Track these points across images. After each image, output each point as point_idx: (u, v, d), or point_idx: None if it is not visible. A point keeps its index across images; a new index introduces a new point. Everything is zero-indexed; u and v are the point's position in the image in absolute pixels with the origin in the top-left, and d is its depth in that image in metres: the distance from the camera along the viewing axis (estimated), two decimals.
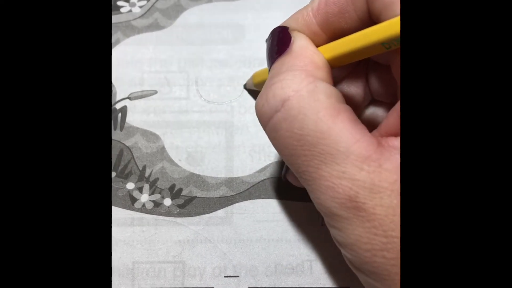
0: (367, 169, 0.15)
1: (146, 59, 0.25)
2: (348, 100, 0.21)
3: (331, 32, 0.18)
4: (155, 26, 0.26)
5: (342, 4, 0.17)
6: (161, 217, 0.23)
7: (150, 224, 0.23)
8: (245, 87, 0.25)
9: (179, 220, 0.24)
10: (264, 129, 0.17)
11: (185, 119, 0.25)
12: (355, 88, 0.21)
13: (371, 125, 0.21)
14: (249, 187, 0.24)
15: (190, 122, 0.25)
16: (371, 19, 0.17)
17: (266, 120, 0.17)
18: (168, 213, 0.24)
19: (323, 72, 0.17)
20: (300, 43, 0.17)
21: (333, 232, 0.16)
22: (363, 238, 0.15)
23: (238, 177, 0.24)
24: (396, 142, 0.15)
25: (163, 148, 0.24)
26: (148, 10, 0.26)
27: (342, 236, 0.16)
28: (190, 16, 0.26)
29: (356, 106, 0.21)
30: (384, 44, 0.15)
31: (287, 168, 0.22)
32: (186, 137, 0.24)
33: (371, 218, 0.15)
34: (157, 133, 0.24)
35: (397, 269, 0.14)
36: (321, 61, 0.17)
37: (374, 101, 0.21)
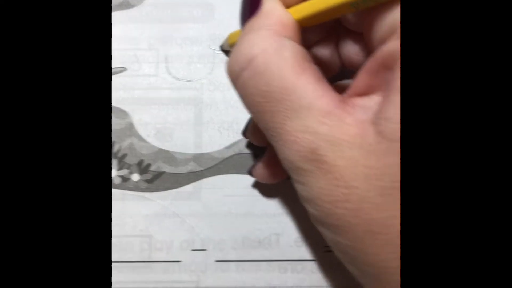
0: (328, 123, 0.15)
1: (116, 36, 0.25)
2: (319, 65, 0.21)
3: None
4: (126, 5, 0.26)
5: None
6: (129, 192, 0.23)
7: (117, 198, 0.23)
8: (221, 48, 0.25)
9: (147, 194, 0.24)
10: (234, 87, 0.17)
11: (154, 96, 0.25)
12: (325, 54, 0.21)
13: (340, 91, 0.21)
14: (217, 162, 0.24)
15: (159, 99, 0.25)
16: None
17: (234, 78, 0.17)
18: (136, 187, 0.24)
19: (290, 31, 0.17)
20: (270, 5, 0.18)
21: (298, 188, 0.17)
22: (325, 190, 0.15)
23: (207, 153, 0.24)
24: (360, 101, 0.16)
25: (131, 124, 0.24)
26: None
27: (306, 190, 0.16)
28: None
29: (326, 72, 0.21)
30: (353, 4, 0.16)
31: (247, 126, 0.22)
32: (155, 114, 0.24)
33: (332, 169, 0.15)
34: (126, 109, 0.24)
35: (358, 221, 0.15)
36: (289, 20, 0.17)
37: (344, 70, 0.21)
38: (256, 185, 0.24)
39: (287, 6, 0.18)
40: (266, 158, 0.22)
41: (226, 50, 0.25)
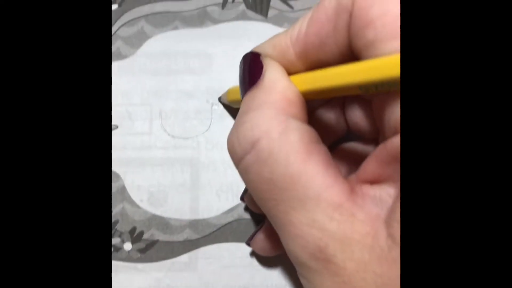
0: (338, 219, 0.14)
1: None
2: (322, 129, 0.20)
3: (309, 63, 0.16)
4: (117, 56, 0.24)
5: (323, 36, 0.16)
6: (121, 263, 0.22)
7: None
8: (219, 100, 0.24)
9: (140, 266, 0.22)
10: (236, 169, 0.16)
11: (147, 156, 0.23)
12: (330, 117, 0.20)
13: (345, 158, 0.20)
14: (215, 229, 0.22)
15: (153, 159, 0.23)
16: (352, 53, 0.15)
17: (237, 161, 0.16)
18: (129, 258, 0.22)
19: (296, 108, 0.15)
20: (273, 75, 0.16)
21: (302, 281, 0.15)
22: None
23: (204, 219, 0.22)
24: (371, 190, 0.15)
25: (123, 187, 0.23)
26: None
27: (311, 287, 0.15)
28: (155, 44, 0.24)
29: (330, 136, 0.20)
30: (361, 88, 0.14)
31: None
32: (148, 176, 0.23)
33: (340, 272, 0.14)
34: (117, 171, 0.23)
35: None
36: (294, 96, 0.16)
37: (351, 133, 0.20)
38: (256, 254, 0.22)
39: (290, 70, 0.17)
40: (266, 229, 0.20)
41: (225, 103, 0.23)
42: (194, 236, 0.22)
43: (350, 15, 0.14)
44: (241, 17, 0.25)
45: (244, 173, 0.16)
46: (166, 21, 0.25)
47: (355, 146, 0.20)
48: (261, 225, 0.21)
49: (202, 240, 0.22)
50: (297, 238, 0.14)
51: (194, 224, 0.22)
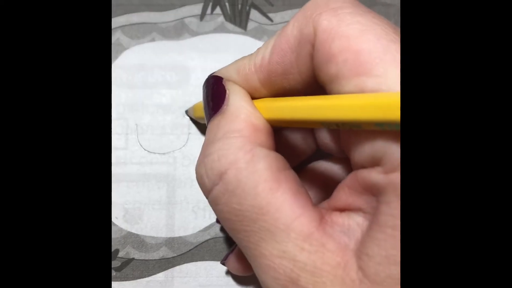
0: (308, 249, 0.14)
1: None
2: (291, 148, 0.20)
3: (273, 90, 0.16)
4: None
5: (286, 65, 0.15)
6: None
7: None
8: (186, 113, 0.23)
9: (115, 284, 0.22)
10: (206, 199, 0.16)
11: (122, 171, 0.23)
12: (299, 137, 0.20)
13: (314, 178, 0.20)
14: (191, 248, 0.22)
15: (128, 175, 0.23)
16: (316, 82, 0.15)
17: (206, 193, 0.16)
18: None
19: (262, 135, 0.15)
20: (237, 101, 0.16)
21: None
22: None
23: (180, 237, 0.22)
24: (340, 218, 0.14)
25: None
26: None
27: None
28: (131, 56, 0.24)
29: (299, 155, 0.20)
30: (324, 124, 0.14)
31: (228, 254, 0.20)
32: (123, 192, 0.22)
33: None
34: None
35: None
36: (260, 123, 0.15)
37: (320, 152, 0.20)
38: (233, 274, 0.22)
39: (254, 95, 0.16)
40: (239, 250, 0.20)
41: (191, 117, 0.23)
42: (170, 254, 0.22)
43: (313, 46, 0.14)
44: (220, 29, 0.24)
45: (213, 204, 0.15)
46: (142, 32, 0.24)
47: (325, 165, 0.20)
48: (235, 245, 0.21)
49: (178, 258, 0.22)
50: (269, 270, 0.14)
51: (170, 242, 0.22)
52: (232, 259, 0.20)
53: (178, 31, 0.24)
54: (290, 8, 0.24)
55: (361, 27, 0.13)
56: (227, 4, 0.24)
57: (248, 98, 0.16)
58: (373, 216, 0.13)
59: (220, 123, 0.15)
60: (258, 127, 0.15)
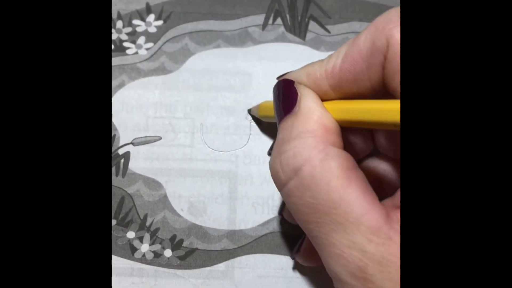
0: (376, 241, 0.15)
1: (151, 103, 0.25)
2: (350, 147, 0.21)
3: (342, 94, 0.18)
4: (162, 70, 0.25)
5: (357, 73, 0.17)
6: (161, 269, 0.23)
7: (150, 275, 0.23)
8: (249, 111, 0.25)
9: (179, 272, 0.23)
10: (280, 192, 0.17)
11: (188, 167, 0.24)
12: (358, 137, 0.21)
13: (372, 176, 0.21)
14: (251, 240, 0.24)
15: (194, 170, 0.24)
16: (385, 89, 0.17)
17: (280, 186, 0.17)
18: (168, 264, 0.23)
19: (333, 135, 0.17)
20: (308, 103, 0.17)
21: None
22: None
23: (241, 230, 0.24)
24: None
25: (165, 196, 0.24)
26: (155, 53, 0.26)
27: None
28: (197, 61, 0.26)
29: (358, 153, 0.21)
30: (397, 125, 0.15)
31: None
32: (189, 186, 0.24)
33: None
34: (160, 181, 0.24)
35: None
36: (331, 124, 0.17)
37: (378, 153, 0.21)
38: (290, 266, 0.23)
39: (323, 98, 0.18)
40: (307, 243, 0.22)
41: (254, 115, 0.25)
42: (231, 246, 0.23)
43: (385, 57, 0.16)
44: (281, 39, 0.26)
45: (287, 197, 0.17)
46: (209, 39, 0.26)
47: (379, 164, 0.21)
48: (301, 240, 0.22)
49: (238, 250, 0.23)
50: (338, 258, 0.15)
51: (231, 234, 0.24)
52: (301, 252, 0.22)
53: (242, 39, 0.26)
54: (346, 21, 0.26)
55: None
56: (287, 15, 0.26)
57: (318, 100, 0.18)
58: None
59: (294, 124, 0.17)
60: (329, 128, 0.17)
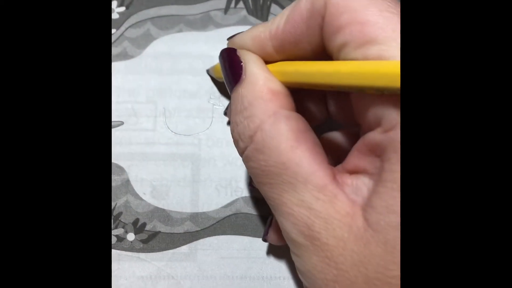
0: (322, 199, 0.15)
1: (114, 88, 0.25)
2: (305, 113, 0.21)
3: (285, 56, 0.18)
4: (124, 55, 0.25)
5: (297, 35, 0.17)
6: (124, 252, 0.23)
7: (113, 259, 0.23)
8: (207, 72, 0.25)
9: (142, 255, 0.23)
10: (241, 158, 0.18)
11: (151, 151, 0.24)
12: (311, 106, 0.21)
13: (329, 147, 0.21)
14: (214, 222, 0.24)
15: (156, 154, 0.24)
16: (325, 52, 0.17)
17: (241, 153, 0.18)
18: (131, 248, 0.23)
19: (282, 98, 0.17)
20: (253, 69, 0.18)
21: (294, 259, 0.17)
22: (318, 266, 0.15)
23: (204, 212, 0.24)
24: (349, 179, 0.16)
25: (127, 181, 0.24)
26: (117, 39, 0.26)
27: (301, 263, 0.16)
28: (160, 45, 0.26)
29: (312, 120, 0.21)
30: (340, 88, 0.15)
31: (267, 229, 0.22)
32: (151, 170, 0.24)
33: (324, 248, 0.15)
34: (122, 165, 0.24)
35: None
36: (278, 87, 0.17)
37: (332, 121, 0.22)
38: (253, 247, 0.23)
39: (268, 60, 0.18)
40: (274, 225, 0.22)
41: (212, 76, 0.25)
42: (194, 228, 0.23)
43: (323, 18, 0.16)
44: (243, 22, 0.26)
45: (246, 162, 0.17)
46: (171, 23, 0.26)
47: (337, 135, 0.21)
48: (269, 220, 0.22)
49: (201, 232, 0.23)
50: (289, 216, 0.16)
51: (194, 217, 0.24)
52: (271, 233, 0.22)
53: (204, 23, 0.26)
54: None
55: (366, 1, 0.15)
56: None
57: (263, 64, 0.18)
58: (380, 173, 0.15)
59: (243, 93, 0.17)
60: (276, 91, 0.17)
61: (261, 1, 0.26)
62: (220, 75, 0.22)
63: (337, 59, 0.16)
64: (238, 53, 0.18)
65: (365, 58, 0.14)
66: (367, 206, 0.15)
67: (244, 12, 0.26)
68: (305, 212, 0.15)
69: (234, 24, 0.26)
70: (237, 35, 0.19)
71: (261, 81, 0.17)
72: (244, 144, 0.17)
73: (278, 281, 0.23)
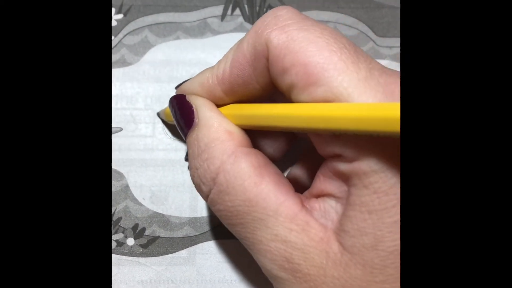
0: (295, 229, 0.15)
1: (112, 95, 0.25)
2: (264, 148, 0.21)
3: (236, 97, 0.18)
4: (122, 62, 0.26)
5: (245, 77, 0.17)
6: (123, 257, 0.23)
7: (113, 263, 0.23)
8: (158, 115, 0.25)
9: (141, 260, 0.24)
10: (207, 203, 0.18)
11: (150, 157, 0.25)
12: (268, 141, 0.21)
13: (292, 174, 0.22)
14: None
15: (155, 160, 0.25)
16: (274, 89, 0.17)
17: (205, 198, 0.18)
18: (131, 252, 0.24)
19: (238, 137, 0.17)
20: (205, 113, 0.18)
21: None
22: None
23: (202, 217, 0.24)
24: (316, 203, 0.16)
25: (127, 186, 0.24)
26: (115, 46, 0.26)
27: None
28: (157, 53, 0.26)
29: (272, 156, 0.22)
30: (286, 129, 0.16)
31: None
32: (150, 176, 0.24)
33: (307, 278, 0.15)
34: (122, 171, 0.24)
35: None
36: (232, 127, 0.17)
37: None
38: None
39: (219, 103, 0.18)
40: None
41: (162, 118, 0.25)
42: (193, 232, 0.24)
43: (267, 60, 0.16)
44: (239, 29, 0.26)
45: (212, 206, 0.18)
46: (168, 31, 0.26)
47: (299, 164, 0.22)
48: None
49: (200, 237, 0.24)
50: (266, 253, 0.16)
51: (193, 221, 0.24)
52: None
53: (201, 30, 0.26)
54: (304, 10, 0.27)
55: (306, 42, 0.15)
56: (246, 6, 0.26)
57: (214, 108, 0.18)
58: (345, 199, 0.15)
59: (198, 136, 0.17)
60: (231, 132, 0.17)
61: (258, 8, 0.27)
62: (171, 118, 0.22)
63: (289, 97, 0.16)
64: (188, 99, 0.18)
65: (313, 100, 0.14)
66: (339, 230, 0.15)
67: (240, 19, 0.26)
68: (281, 246, 0.16)
69: (231, 31, 0.26)
70: (185, 83, 0.19)
71: (216, 123, 0.17)
72: (207, 188, 0.17)
73: None
